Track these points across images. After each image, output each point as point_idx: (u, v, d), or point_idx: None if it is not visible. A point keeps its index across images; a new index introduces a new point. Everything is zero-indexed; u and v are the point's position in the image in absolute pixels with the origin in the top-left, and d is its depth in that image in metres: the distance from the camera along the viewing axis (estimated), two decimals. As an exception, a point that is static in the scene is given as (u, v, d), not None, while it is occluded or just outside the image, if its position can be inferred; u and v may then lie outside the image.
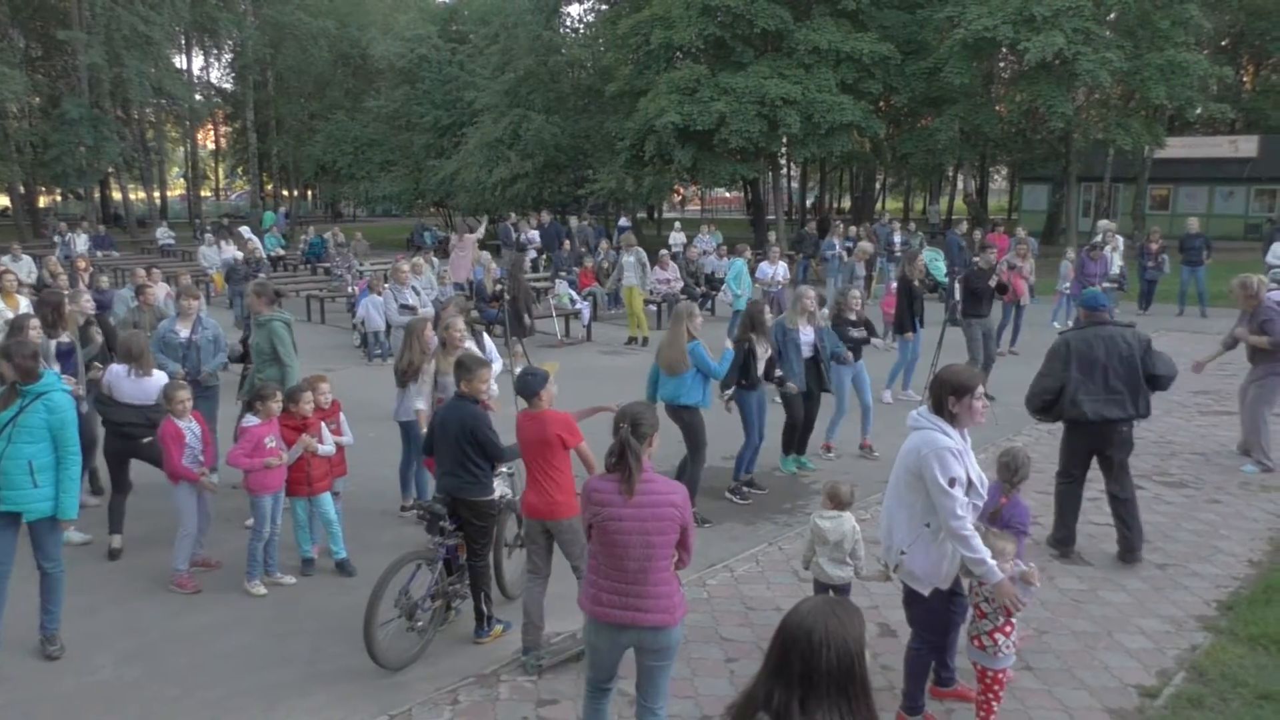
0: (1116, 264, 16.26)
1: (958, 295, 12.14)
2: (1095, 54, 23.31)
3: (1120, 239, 16.88)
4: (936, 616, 4.59)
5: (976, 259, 12.02)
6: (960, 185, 49.24)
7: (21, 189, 37.06)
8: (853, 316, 9.50)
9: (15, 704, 5.08)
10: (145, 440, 6.90)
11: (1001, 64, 29.78)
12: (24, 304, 10.47)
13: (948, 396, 4.43)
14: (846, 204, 54.70)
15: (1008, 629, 4.49)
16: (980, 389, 4.49)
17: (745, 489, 8.34)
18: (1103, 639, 5.65)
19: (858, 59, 26.17)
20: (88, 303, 8.30)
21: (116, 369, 7.05)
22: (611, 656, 4.15)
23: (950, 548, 4.40)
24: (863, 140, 30.12)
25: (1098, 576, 6.55)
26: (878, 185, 44.87)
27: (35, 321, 7.39)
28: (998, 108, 28.32)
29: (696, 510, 7.72)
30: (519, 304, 14.03)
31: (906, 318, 11.41)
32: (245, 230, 24.54)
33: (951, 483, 4.29)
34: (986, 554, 4.31)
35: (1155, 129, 26.91)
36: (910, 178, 45.84)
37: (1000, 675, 4.56)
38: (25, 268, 16.71)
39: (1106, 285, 16.16)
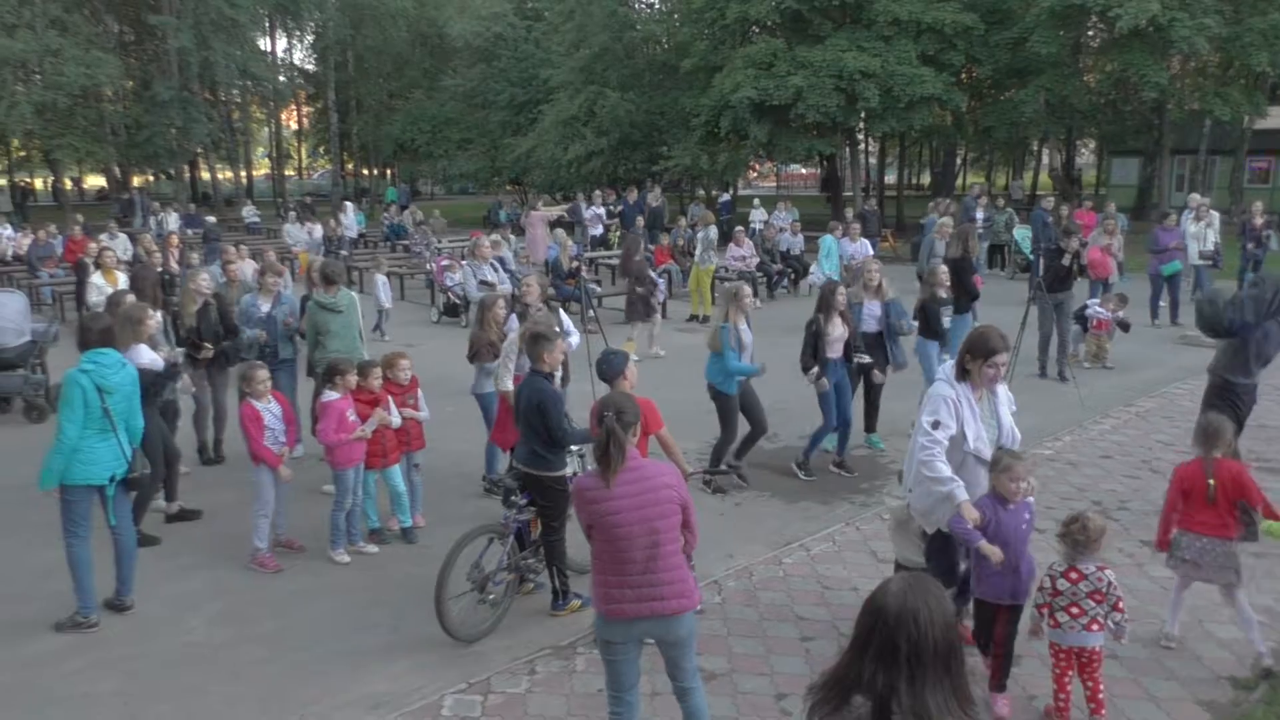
0: (1211, 240, 15.60)
1: (1040, 273, 11.82)
2: (1192, 20, 22.30)
3: (1215, 214, 16.17)
4: (943, 556, 4.95)
5: (1060, 240, 11.69)
6: (1045, 159, 47.80)
7: (116, 170, 38.40)
8: (944, 294, 9.31)
9: (115, 661, 5.32)
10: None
11: (1090, 32, 28.63)
12: (122, 279, 10.92)
13: (965, 353, 4.82)
14: (926, 179, 53.61)
15: (1121, 605, 4.48)
16: (1000, 356, 4.77)
17: (835, 469, 8.28)
18: (1194, 628, 5.48)
19: (939, 30, 25.50)
20: (205, 282, 8.40)
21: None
22: (627, 653, 4.00)
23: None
24: (944, 113, 29.40)
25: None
26: (959, 160, 43.81)
27: (131, 297, 7.67)
28: (1086, 78, 27.33)
29: (712, 479, 7.75)
30: (639, 284, 13.54)
31: (963, 298, 11.17)
32: (349, 206, 25.22)
33: (935, 425, 4.72)
34: (948, 474, 4.65)
35: (1256, 98, 25.66)
36: (993, 152, 44.69)
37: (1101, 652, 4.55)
38: (121, 245, 17.32)
39: (1200, 262, 15.55)
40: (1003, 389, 4.96)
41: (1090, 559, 4.49)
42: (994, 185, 46.05)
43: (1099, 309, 12.09)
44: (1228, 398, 6.80)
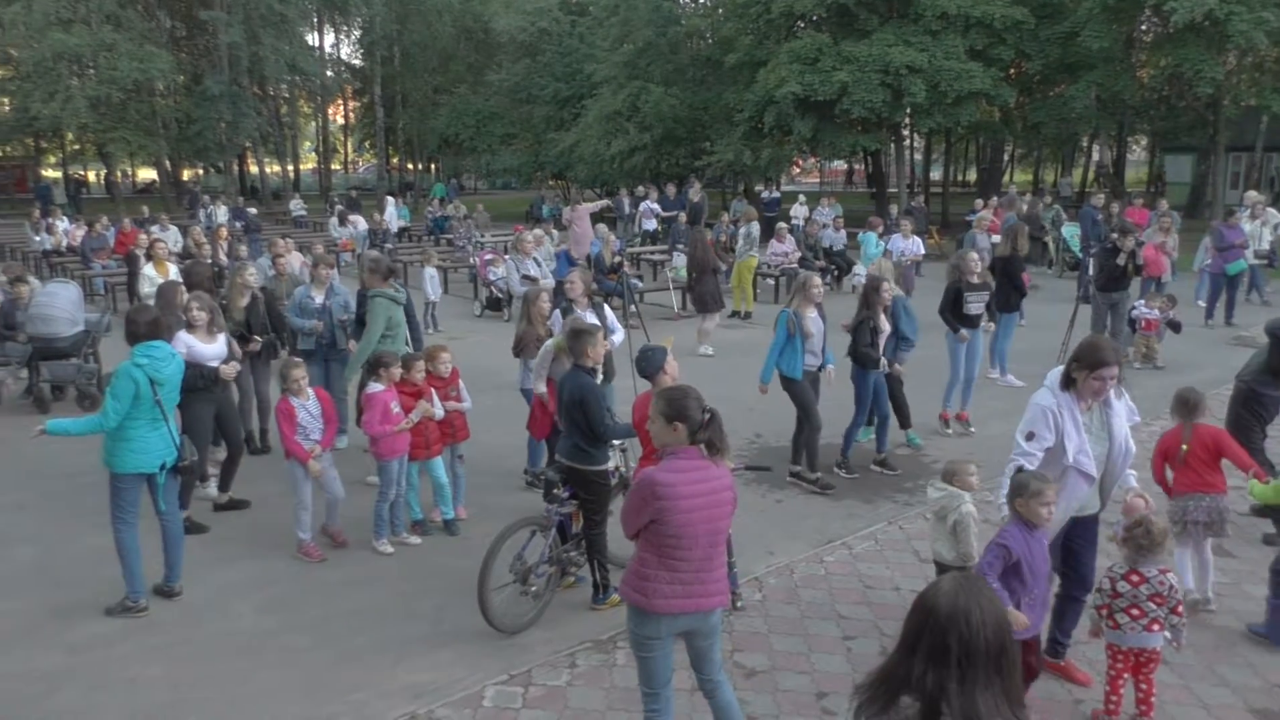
0: (1267, 239, 15.25)
1: (1091, 271, 11.62)
2: (1250, 14, 21.75)
3: (1273, 212, 15.79)
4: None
5: (1114, 235, 11.47)
6: (1095, 156, 46.98)
7: (168, 164, 39.12)
8: (974, 280, 9.22)
9: (164, 646, 5.42)
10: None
11: (1144, 26, 28.06)
12: (173, 271, 11.12)
13: (1072, 362, 4.57)
14: (972, 176, 52.89)
15: (1180, 609, 4.47)
16: (1109, 370, 4.45)
17: (876, 468, 8.24)
18: (1247, 635, 5.36)
19: (989, 24, 25.13)
20: (253, 275, 8.50)
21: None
22: (664, 648, 3.97)
23: (1062, 502, 4.52)
24: (991, 109, 29.00)
25: (1241, 569, 6.20)
26: (1006, 156, 43.18)
27: (183, 288, 7.80)
28: (1139, 73, 26.79)
29: (819, 475, 7.75)
30: (707, 277, 13.43)
31: (1012, 295, 11.00)
32: (390, 201, 25.54)
33: (1028, 437, 4.54)
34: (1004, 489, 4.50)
35: (1316, 94, 25.00)
36: (1041, 148, 43.91)
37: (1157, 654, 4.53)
38: (172, 237, 17.65)
39: (1255, 261, 15.20)
40: (1123, 400, 4.70)
41: (1152, 562, 4.45)
42: (1042, 182, 45.29)
43: (1145, 309, 11.87)
44: (1253, 406, 6.88)
